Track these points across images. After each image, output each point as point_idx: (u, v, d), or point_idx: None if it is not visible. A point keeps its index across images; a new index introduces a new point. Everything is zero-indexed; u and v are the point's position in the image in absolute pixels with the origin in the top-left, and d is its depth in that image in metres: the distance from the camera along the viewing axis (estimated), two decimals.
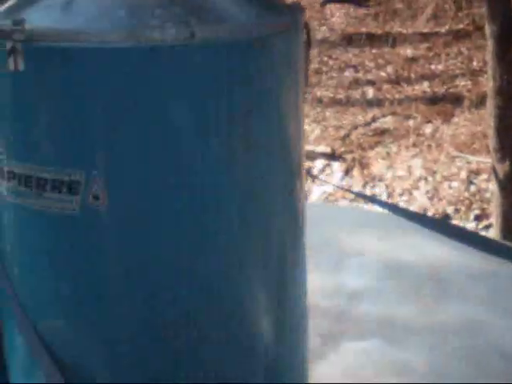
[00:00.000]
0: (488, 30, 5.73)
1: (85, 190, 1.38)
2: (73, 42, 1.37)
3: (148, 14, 1.40)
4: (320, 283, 2.59)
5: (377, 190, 5.85)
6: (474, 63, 7.80)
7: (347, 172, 6.20)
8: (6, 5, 1.54)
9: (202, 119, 1.43)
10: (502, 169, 5.46)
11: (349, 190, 4.82)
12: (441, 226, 2.30)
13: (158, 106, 1.40)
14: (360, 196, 4.35)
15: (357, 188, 5.87)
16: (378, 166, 6.26)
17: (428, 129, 6.81)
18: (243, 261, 1.52)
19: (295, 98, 1.62)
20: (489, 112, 5.63)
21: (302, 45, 1.65)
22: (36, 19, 1.42)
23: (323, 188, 5.86)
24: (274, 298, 1.58)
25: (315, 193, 5.79)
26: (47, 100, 1.39)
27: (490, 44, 5.83)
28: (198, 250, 1.46)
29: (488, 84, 5.99)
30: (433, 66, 7.78)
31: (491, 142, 5.49)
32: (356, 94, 7.41)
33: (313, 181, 5.44)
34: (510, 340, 2.50)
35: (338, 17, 7.97)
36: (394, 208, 2.42)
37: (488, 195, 5.85)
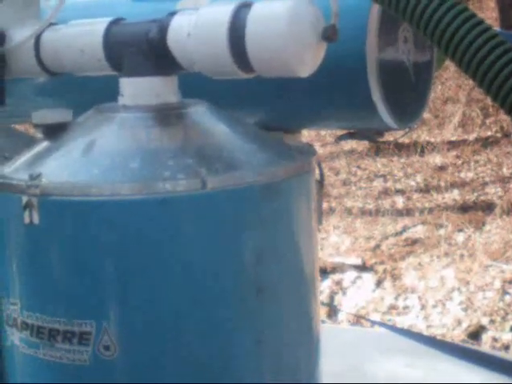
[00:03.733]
0: None
1: (95, 340, 1.39)
2: (86, 195, 1.40)
3: (160, 165, 1.44)
4: None
5: (409, 303, 5.78)
6: (504, 170, 7.80)
7: (379, 284, 6.14)
8: (27, 155, 1.59)
9: (213, 266, 1.44)
10: None
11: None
12: (466, 352, 2.26)
13: (170, 255, 1.41)
14: (380, 325, 4.30)
15: (389, 300, 5.79)
16: (409, 277, 6.19)
17: (460, 237, 6.76)
18: None
19: (309, 238, 1.63)
20: None
21: (315, 184, 1.68)
22: (52, 172, 1.46)
23: (354, 301, 5.80)
24: None
25: (346, 306, 5.73)
26: (59, 252, 1.42)
27: None
28: None
29: None
30: (462, 174, 7.80)
31: None
32: (386, 203, 7.42)
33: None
34: None
35: None
36: (415, 336, 2.38)
37: None
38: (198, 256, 1.42)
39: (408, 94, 1.84)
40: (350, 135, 1.86)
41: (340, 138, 1.89)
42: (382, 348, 2.89)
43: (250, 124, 1.71)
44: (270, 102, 1.84)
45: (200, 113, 1.59)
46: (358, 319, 5.28)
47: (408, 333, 2.65)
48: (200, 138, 1.54)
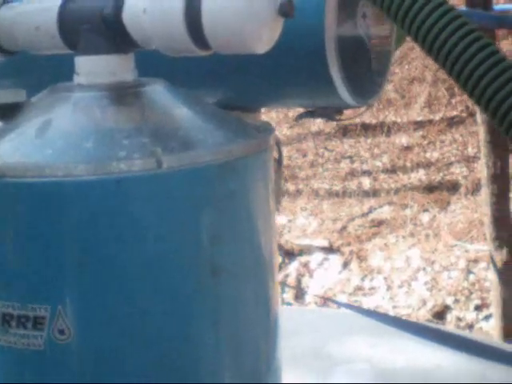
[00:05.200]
0: (480, 117, 5.79)
1: (49, 325, 1.37)
2: (40, 176, 1.37)
3: (115, 145, 1.41)
4: None
5: (375, 283, 5.81)
6: (469, 149, 7.87)
7: (345, 265, 6.17)
8: None
9: (169, 247, 1.42)
10: (499, 257, 5.42)
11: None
12: (430, 331, 2.28)
13: (126, 236, 1.39)
14: (345, 306, 4.33)
15: (355, 281, 5.83)
16: (376, 258, 6.24)
17: (425, 217, 6.81)
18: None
19: (266, 218, 1.61)
20: (484, 200, 5.62)
21: (273, 163, 1.66)
22: (5, 153, 1.43)
23: (321, 283, 5.83)
24: None
25: (313, 287, 5.76)
26: (13, 235, 1.39)
27: (482, 131, 5.87)
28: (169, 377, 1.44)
29: (482, 172, 6.00)
30: (428, 154, 7.85)
31: (488, 230, 5.47)
32: (352, 184, 7.46)
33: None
34: None
35: None
36: (379, 316, 2.40)
37: (487, 284, 5.80)
38: (154, 236, 1.40)
39: (367, 70, 1.83)
40: (309, 113, 1.85)
41: (299, 117, 1.88)
42: (345, 329, 2.90)
43: (208, 103, 1.69)
44: (227, 80, 1.82)
45: (157, 91, 1.56)
46: (325, 301, 5.31)
47: (372, 313, 2.68)
48: (156, 117, 1.51)
